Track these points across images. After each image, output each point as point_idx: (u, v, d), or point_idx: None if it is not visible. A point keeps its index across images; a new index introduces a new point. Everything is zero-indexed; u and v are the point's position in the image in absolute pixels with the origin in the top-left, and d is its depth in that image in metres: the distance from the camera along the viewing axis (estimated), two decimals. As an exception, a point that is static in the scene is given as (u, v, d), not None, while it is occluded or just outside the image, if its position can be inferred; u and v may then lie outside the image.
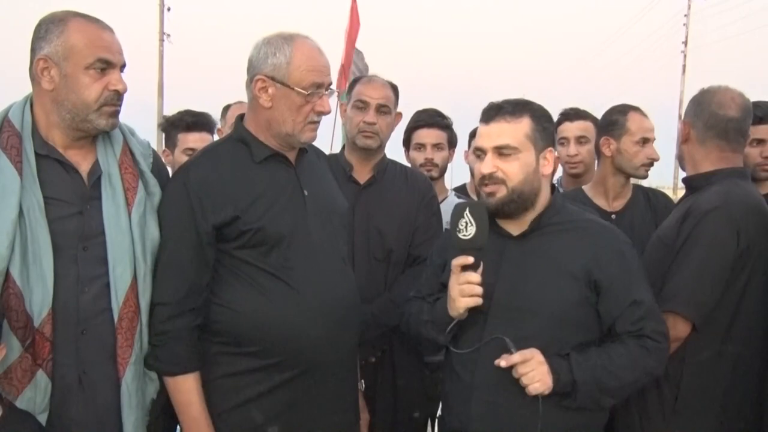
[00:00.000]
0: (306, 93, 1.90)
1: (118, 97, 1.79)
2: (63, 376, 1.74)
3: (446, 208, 2.90)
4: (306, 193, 2.00)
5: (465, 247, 1.80)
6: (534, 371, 1.75)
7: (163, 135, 3.12)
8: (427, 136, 3.11)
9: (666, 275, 2.05)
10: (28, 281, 1.68)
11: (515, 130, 1.84)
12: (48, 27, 1.75)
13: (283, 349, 1.89)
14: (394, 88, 2.70)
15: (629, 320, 1.82)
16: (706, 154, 2.18)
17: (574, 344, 1.82)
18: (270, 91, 1.91)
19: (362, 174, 2.66)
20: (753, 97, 3.05)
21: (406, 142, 3.20)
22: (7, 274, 1.67)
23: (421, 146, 3.12)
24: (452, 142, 3.20)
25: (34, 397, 1.71)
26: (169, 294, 1.86)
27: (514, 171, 1.84)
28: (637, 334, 1.81)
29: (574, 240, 1.87)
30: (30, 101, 1.83)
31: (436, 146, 3.11)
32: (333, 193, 2.14)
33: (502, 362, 1.77)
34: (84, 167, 1.83)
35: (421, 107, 3.26)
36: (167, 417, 2.02)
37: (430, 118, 3.15)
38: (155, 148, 2.02)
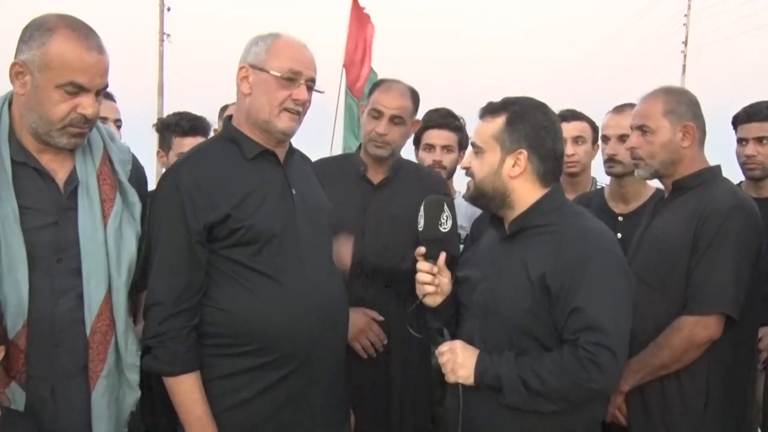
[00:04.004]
0: (280, 75, 1.93)
1: (85, 120, 1.74)
2: (36, 387, 1.73)
3: (453, 210, 2.90)
4: (294, 191, 2.02)
5: (421, 238, 1.97)
6: (449, 361, 1.89)
7: (158, 135, 3.03)
8: (437, 137, 3.06)
9: (692, 275, 2.10)
10: (2, 292, 1.67)
11: (485, 130, 1.93)
12: (32, 33, 1.71)
13: (277, 348, 1.92)
14: (414, 96, 2.66)
15: (569, 329, 1.79)
16: (699, 155, 2.28)
17: (533, 351, 1.84)
18: (250, 78, 1.97)
19: (376, 175, 2.67)
20: (753, 97, 3.10)
21: (416, 142, 3.14)
22: None
23: (430, 147, 3.07)
24: (463, 144, 3.12)
25: None
26: (163, 294, 1.86)
27: (477, 168, 1.94)
28: (573, 343, 1.78)
29: (546, 244, 1.87)
30: (10, 100, 1.79)
31: (446, 148, 3.05)
32: (319, 194, 2.17)
33: (438, 350, 1.94)
34: (61, 175, 1.80)
35: (424, 108, 3.18)
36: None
37: (441, 119, 3.09)
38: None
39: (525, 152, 1.89)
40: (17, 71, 1.72)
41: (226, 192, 1.90)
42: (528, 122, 1.89)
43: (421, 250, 1.97)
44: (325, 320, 1.99)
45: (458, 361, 1.88)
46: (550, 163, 1.92)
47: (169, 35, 23.67)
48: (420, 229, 1.97)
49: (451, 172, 3.09)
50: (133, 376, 1.88)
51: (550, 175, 1.93)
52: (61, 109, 1.71)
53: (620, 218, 2.74)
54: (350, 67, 6.89)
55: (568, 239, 1.85)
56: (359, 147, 2.78)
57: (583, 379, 1.75)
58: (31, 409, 1.73)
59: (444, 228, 1.95)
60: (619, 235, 2.63)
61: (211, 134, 3.08)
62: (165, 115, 3.23)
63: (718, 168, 2.32)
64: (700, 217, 2.12)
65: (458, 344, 1.91)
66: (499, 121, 1.90)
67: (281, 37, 1.99)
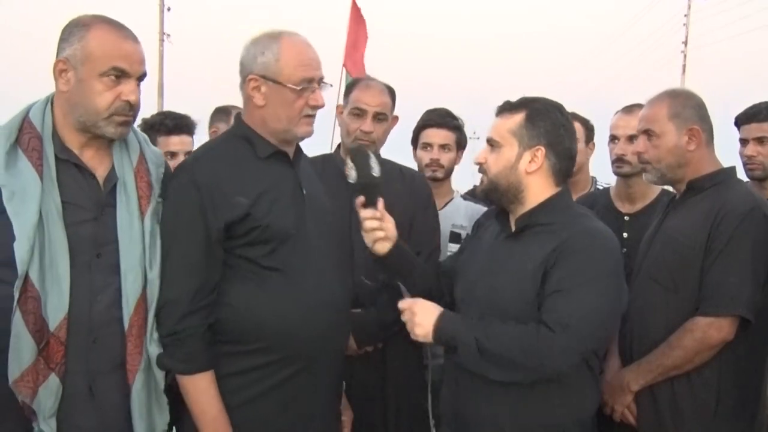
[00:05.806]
0: (298, 89, 1.93)
1: (129, 107, 1.81)
2: (73, 383, 1.77)
3: (452, 210, 2.98)
4: (305, 192, 2.03)
5: (355, 189, 2.03)
6: (410, 319, 1.91)
7: None
8: (435, 136, 3.02)
9: (707, 276, 2.10)
10: (44, 286, 1.70)
11: (502, 125, 1.95)
12: (72, 30, 1.78)
13: (286, 346, 1.93)
14: (392, 93, 2.67)
15: (545, 308, 1.81)
16: (709, 157, 2.28)
17: None
18: (263, 89, 1.95)
19: None
20: (753, 97, 3.14)
21: (414, 141, 3.12)
22: (26, 277, 1.68)
23: (427, 146, 3.04)
24: (461, 144, 3.10)
25: (45, 400, 1.72)
26: (180, 292, 1.86)
27: (492, 163, 1.96)
28: (541, 318, 1.80)
29: (550, 241, 1.88)
30: (51, 101, 1.84)
31: (443, 147, 3.02)
32: (323, 194, 2.18)
33: (399, 305, 1.96)
34: (100, 172, 1.85)
35: (425, 107, 3.16)
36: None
37: (439, 118, 3.06)
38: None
39: (543, 149, 1.91)
40: (60, 69, 1.77)
41: (243, 190, 1.91)
42: (548, 119, 1.93)
43: (361, 199, 2.03)
44: (331, 320, 2.01)
45: (416, 320, 1.90)
46: (566, 162, 1.96)
47: (169, 35, 23.61)
48: (354, 180, 2.02)
49: (449, 172, 3.06)
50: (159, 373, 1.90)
51: (563, 174, 1.97)
52: (105, 98, 1.76)
53: (626, 218, 2.78)
54: (351, 63, 6.90)
55: (573, 234, 1.87)
56: (338, 147, 2.76)
57: (533, 350, 1.77)
58: (67, 403, 1.75)
59: (375, 172, 2.02)
60: (625, 235, 2.69)
61: (199, 133, 3.12)
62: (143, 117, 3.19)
63: (732, 169, 2.34)
64: (714, 218, 2.13)
65: (416, 303, 1.93)
66: (518, 118, 1.93)
67: (285, 40, 1.95)
